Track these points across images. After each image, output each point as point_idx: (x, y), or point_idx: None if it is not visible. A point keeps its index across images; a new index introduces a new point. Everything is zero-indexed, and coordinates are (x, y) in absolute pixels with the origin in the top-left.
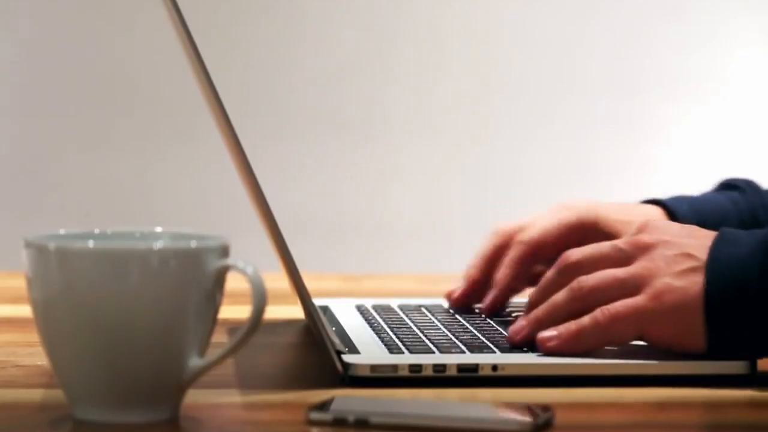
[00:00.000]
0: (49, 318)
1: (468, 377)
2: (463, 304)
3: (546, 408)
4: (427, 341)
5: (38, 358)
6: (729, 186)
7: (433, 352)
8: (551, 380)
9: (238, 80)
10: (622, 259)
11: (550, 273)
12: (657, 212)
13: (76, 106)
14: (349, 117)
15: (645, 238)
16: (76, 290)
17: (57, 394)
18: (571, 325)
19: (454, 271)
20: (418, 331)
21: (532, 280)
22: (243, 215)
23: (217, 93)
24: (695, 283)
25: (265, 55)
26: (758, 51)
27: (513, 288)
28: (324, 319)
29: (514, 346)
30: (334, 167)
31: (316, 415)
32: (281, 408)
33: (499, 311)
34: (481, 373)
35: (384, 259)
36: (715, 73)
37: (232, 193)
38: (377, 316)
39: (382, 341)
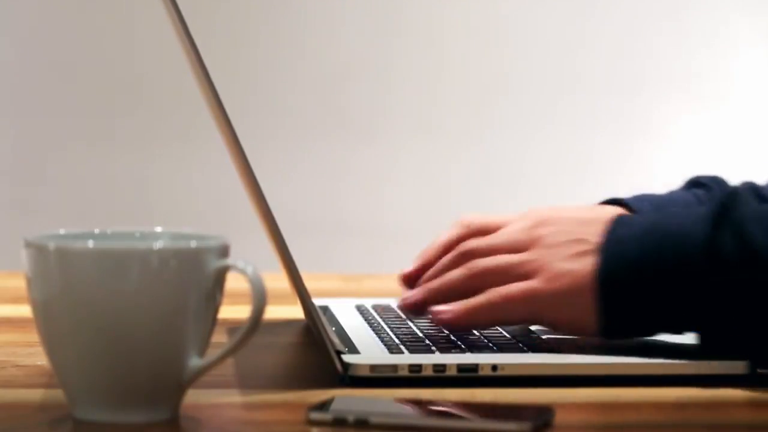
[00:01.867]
0: (49, 318)
1: (468, 377)
2: (413, 283)
3: (546, 408)
4: (427, 341)
5: (38, 358)
6: (695, 184)
7: (433, 352)
8: (551, 380)
9: (238, 80)
10: (517, 248)
11: (447, 256)
12: (620, 212)
13: (76, 106)
14: (349, 117)
15: (540, 229)
16: (76, 290)
17: (57, 394)
18: (464, 302)
19: None
20: (418, 331)
21: None
22: (243, 215)
23: (217, 93)
24: (587, 264)
25: (265, 55)
26: (759, 51)
27: None
28: (324, 319)
29: (406, 310)
30: (334, 167)
31: (316, 415)
32: (281, 408)
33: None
34: (480, 373)
35: (384, 259)
36: (717, 72)
37: (232, 193)
38: (377, 316)
39: (382, 341)
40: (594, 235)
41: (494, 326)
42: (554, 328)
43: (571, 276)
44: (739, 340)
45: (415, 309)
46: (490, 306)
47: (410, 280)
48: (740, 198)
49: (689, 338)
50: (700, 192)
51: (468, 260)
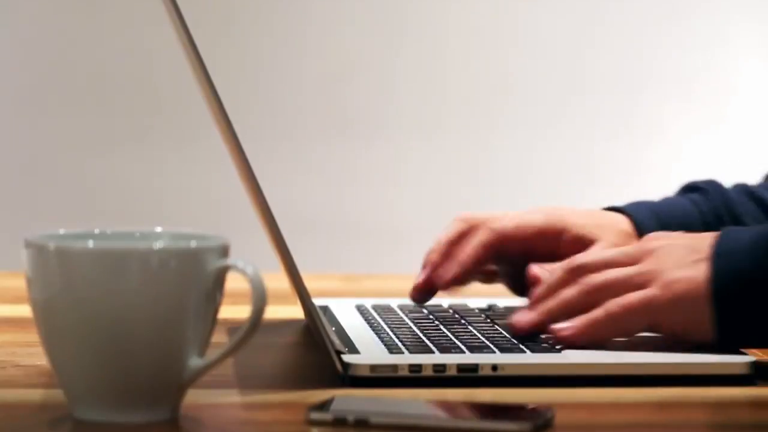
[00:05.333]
0: (49, 318)
1: (468, 377)
2: (428, 292)
3: (546, 408)
4: (427, 341)
5: (38, 358)
6: (690, 188)
7: (433, 352)
8: (551, 380)
9: (239, 80)
10: (629, 262)
11: (557, 273)
12: (622, 219)
13: (76, 107)
14: (348, 117)
15: (649, 243)
16: (76, 290)
17: (57, 394)
18: (584, 317)
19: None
20: (418, 331)
21: (486, 275)
22: (243, 215)
23: (217, 93)
24: (702, 271)
25: (265, 55)
26: (763, 54)
27: (474, 271)
28: (324, 319)
29: (517, 335)
30: (334, 167)
31: (316, 415)
32: (281, 408)
33: (452, 293)
34: (481, 373)
35: (384, 259)
36: (720, 75)
37: (232, 193)
38: (377, 316)
39: (382, 341)
40: (704, 245)
41: (615, 338)
42: (673, 335)
43: (687, 282)
44: None
45: (531, 332)
46: (610, 318)
47: (423, 292)
48: None
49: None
50: (696, 196)
51: (579, 276)
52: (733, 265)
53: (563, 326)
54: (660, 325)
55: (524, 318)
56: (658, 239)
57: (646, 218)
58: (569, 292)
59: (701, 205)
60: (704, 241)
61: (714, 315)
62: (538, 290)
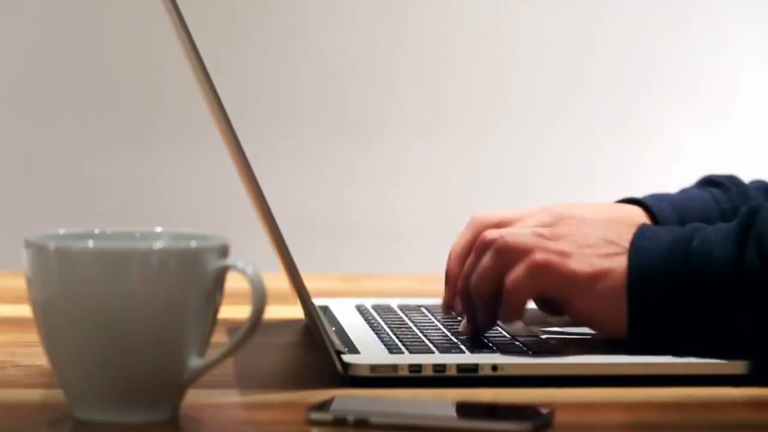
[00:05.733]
0: (49, 318)
1: (468, 377)
2: (452, 307)
3: (546, 408)
4: (427, 341)
5: (38, 358)
6: (710, 182)
7: (433, 352)
8: (551, 380)
9: (239, 80)
10: (545, 238)
11: (470, 259)
12: (637, 212)
13: (76, 107)
14: (348, 117)
15: (564, 226)
16: (76, 290)
17: (57, 394)
18: (506, 283)
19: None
20: (418, 331)
21: None
22: (243, 215)
23: (217, 93)
24: (620, 265)
25: (265, 55)
26: (763, 53)
27: None
28: (324, 319)
29: (475, 336)
30: (335, 167)
31: (316, 415)
32: (281, 408)
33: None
34: (481, 373)
35: (384, 259)
36: (722, 75)
37: (232, 193)
38: (377, 316)
39: (382, 341)
40: (621, 238)
41: (537, 297)
42: (584, 318)
43: (605, 272)
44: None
45: (478, 330)
46: (533, 272)
47: (449, 307)
48: (762, 214)
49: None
50: (716, 191)
51: (487, 248)
52: (649, 264)
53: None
54: (573, 304)
55: (463, 325)
56: (571, 224)
57: (665, 210)
58: (483, 261)
59: (721, 200)
60: (621, 231)
61: (628, 311)
62: (459, 282)
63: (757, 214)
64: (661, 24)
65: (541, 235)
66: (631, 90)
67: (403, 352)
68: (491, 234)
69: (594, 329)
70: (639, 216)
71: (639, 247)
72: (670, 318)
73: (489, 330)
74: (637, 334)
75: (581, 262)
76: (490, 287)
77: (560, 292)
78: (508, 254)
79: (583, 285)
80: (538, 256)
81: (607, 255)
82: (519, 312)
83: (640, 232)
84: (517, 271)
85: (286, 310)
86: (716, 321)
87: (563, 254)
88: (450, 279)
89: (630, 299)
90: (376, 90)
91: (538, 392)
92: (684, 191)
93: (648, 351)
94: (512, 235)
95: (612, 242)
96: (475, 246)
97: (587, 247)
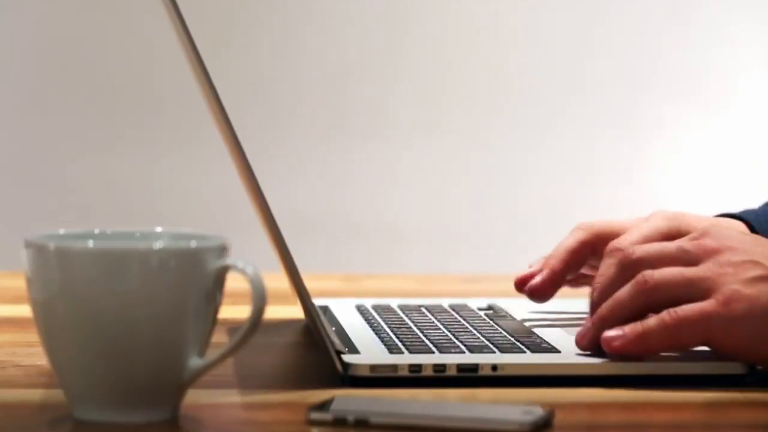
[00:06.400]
0: (49, 318)
1: (468, 377)
2: (542, 294)
3: (546, 408)
4: (427, 341)
5: (38, 358)
6: None
7: (433, 352)
8: (551, 380)
9: (239, 81)
10: (687, 259)
11: (610, 270)
12: (740, 226)
13: (77, 107)
14: (349, 117)
15: (710, 242)
16: (76, 290)
17: (57, 394)
18: (637, 326)
19: (455, 272)
20: (418, 331)
21: None
22: (243, 215)
23: (217, 93)
24: (765, 292)
25: (265, 56)
26: (763, 53)
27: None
28: (324, 319)
29: (584, 351)
30: (335, 167)
31: (316, 415)
32: (281, 408)
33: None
34: (481, 373)
35: (384, 260)
36: (722, 75)
37: (232, 193)
38: (377, 316)
39: (382, 341)
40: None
41: (667, 351)
42: (728, 353)
43: (749, 301)
44: None
45: (593, 346)
46: (665, 330)
47: (524, 283)
48: None
49: None
50: None
51: (632, 271)
52: None
53: (614, 335)
54: (717, 342)
55: (583, 334)
56: (718, 237)
57: (763, 225)
58: (622, 294)
59: None
60: (766, 249)
61: None
62: (593, 293)
63: None
64: (661, 24)
65: (685, 258)
66: (631, 90)
67: (403, 352)
68: (636, 255)
69: (743, 360)
70: (743, 229)
71: None
72: None
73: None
74: None
75: (719, 298)
76: (623, 320)
77: (697, 340)
78: (646, 296)
79: (720, 324)
80: (675, 313)
81: (752, 280)
82: (633, 355)
83: None
84: (651, 328)
85: (286, 310)
86: None
87: (702, 285)
88: (551, 269)
89: None
90: (377, 90)
91: (538, 392)
92: (764, 205)
93: None
94: (653, 265)
95: (758, 263)
96: (620, 260)
97: (730, 270)
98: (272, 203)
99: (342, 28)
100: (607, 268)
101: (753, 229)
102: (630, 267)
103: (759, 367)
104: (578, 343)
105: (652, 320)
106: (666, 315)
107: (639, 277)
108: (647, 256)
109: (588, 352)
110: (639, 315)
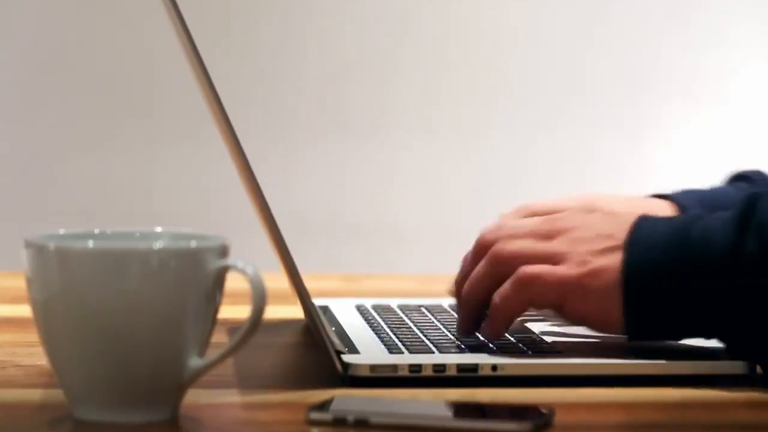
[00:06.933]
0: (49, 318)
1: (468, 377)
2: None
3: (546, 408)
4: (427, 341)
5: (38, 358)
6: (738, 178)
7: (433, 352)
8: (551, 380)
9: (239, 80)
10: (539, 237)
11: (469, 257)
12: (664, 206)
13: (77, 106)
14: (349, 117)
15: (562, 221)
16: (76, 290)
17: (57, 394)
18: (494, 297)
19: (455, 272)
20: (417, 331)
21: None
22: (243, 215)
23: (216, 93)
24: (615, 261)
25: (265, 55)
26: (763, 53)
27: None
28: (324, 319)
29: (463, 338)
30: (335, 167)
31: (316, 415)
32: (281, 408)
33: None
34: (480, 373)
35: (384, 260)
36: (721, 76)
37: (232, 193)
38: (377, 316)
39: (382, 341)
40: (619, 230)
41: (528, 310)
42: (579, 320)
43: (600, 270)
44: (763, 344)
45: (469, 331)
46: (519, 288)
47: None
48: (762, 202)
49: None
50: (744, 185)
51: (488, 251)
52: (645, 256)
53: (484, 327)
54: (569, 306)
55: (457, 327)
56: (572, 218)
57: (693, 207)
58: (478, 270)
59: None
60: (619, 225)
61: (624, 305)
62: (458, 285)
63: (757, 201)
64: (661, 24)
65: (538, 235)
66: (631, 90)
67: (403, 352)
68: (488, 236)
69: (591, 328)
70: (664, 210)
71: (637, 238)
72: (668, 309)
73: (471, 335)
74: (635, 329)
75: (572, 264)
76: (482, 295)
77: (550, 300)
78: (499, 266)
79: (574, 288)
80: (527, 269)
81: (603, 251)
82: (503, 329)
83: (638, 224)
84: (505, 289)
85: (286, 310)
86: (715, 310)
87: (555, 257)
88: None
89: (625, 294)
90: (376, 90)
91: (538, 392)
92: (713, 187)
93: (646, 337)
94: (505, 241)
95: (610, 236)
96: (474, 246)
97: (582, 244)
98: (272, 203)
99: (342, 28)
100: (468, 260)
101: (682, 210)
102: (483, 248)
103: (758, 369)
104: (461, 335)
105: (505, 283)
106: (520, 272)
107: (491, 251)
108: (497, 237)
109: (586, 353)
110: (498, 286)
